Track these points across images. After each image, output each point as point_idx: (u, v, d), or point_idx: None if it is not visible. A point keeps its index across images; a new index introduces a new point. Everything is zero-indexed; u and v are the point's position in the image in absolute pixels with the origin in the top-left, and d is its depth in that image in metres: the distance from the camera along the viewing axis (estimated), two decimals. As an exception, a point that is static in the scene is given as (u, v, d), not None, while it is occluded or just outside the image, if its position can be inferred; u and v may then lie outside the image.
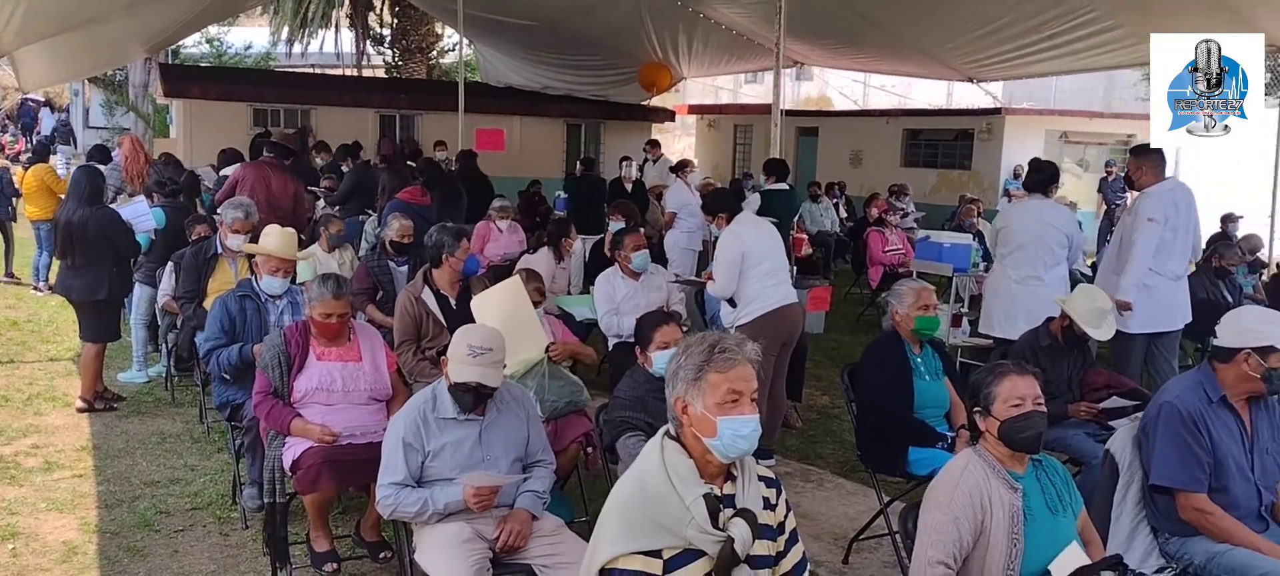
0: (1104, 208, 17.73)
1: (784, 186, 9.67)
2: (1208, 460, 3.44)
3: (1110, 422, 4.83)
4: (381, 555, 4.43)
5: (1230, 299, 8.24)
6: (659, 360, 4.12)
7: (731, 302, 6.01)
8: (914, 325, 4.78)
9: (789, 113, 17.95)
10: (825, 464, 6.26)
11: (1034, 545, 2.89)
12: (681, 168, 11.93)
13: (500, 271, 7.96)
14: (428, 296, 5.49)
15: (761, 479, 2.66)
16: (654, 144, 15.47)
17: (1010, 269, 6.86)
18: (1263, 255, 10.98)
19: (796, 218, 11.75)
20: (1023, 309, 6.61)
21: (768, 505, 2.63)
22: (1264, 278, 9.91)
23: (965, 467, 2.97)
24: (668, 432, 2.61)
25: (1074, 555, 2.88)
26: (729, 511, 2.51)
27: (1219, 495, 3.44)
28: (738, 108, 26.16)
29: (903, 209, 13.81)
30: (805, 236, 12.10)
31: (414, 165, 11.29)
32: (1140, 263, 6.16)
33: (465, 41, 18.52)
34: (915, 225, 13.86)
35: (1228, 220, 12.17)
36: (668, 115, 22.69)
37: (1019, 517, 2.89)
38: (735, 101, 28.13)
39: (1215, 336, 3.60)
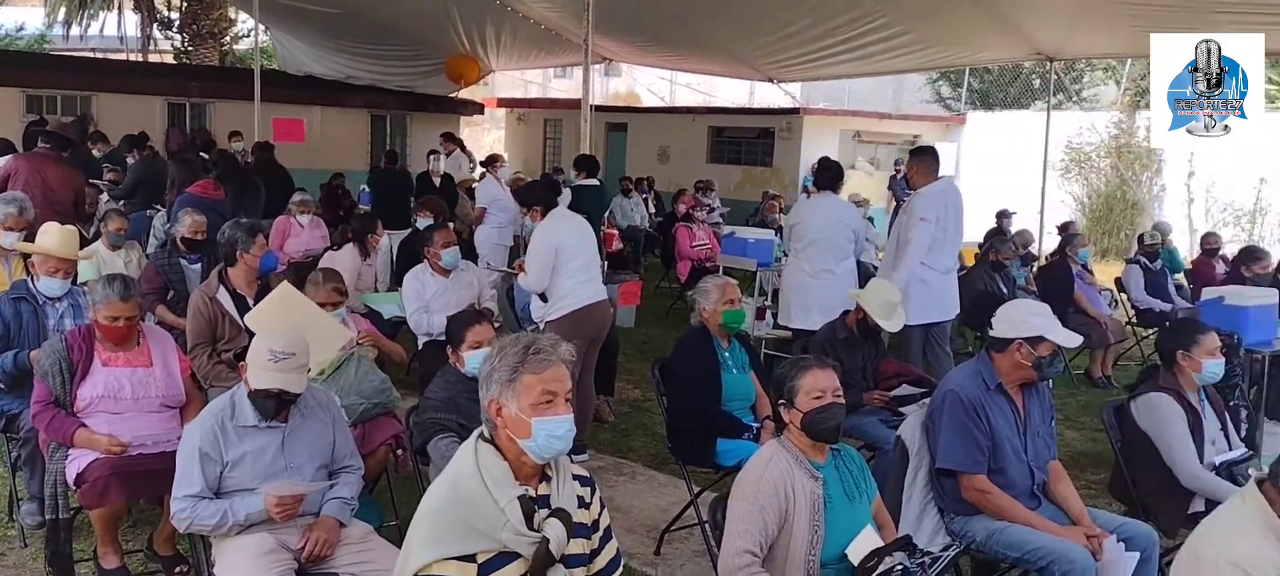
0: (894, 204, 18.73)
1: (594, 182, 9.75)
2: (987, 444, 3.70)
3: (901, 409, 5.13)
4: (177, 570, 4.21)
5: (1006, 290, 8.86)
6: (471, 360, 4.09)
7: (542, 297, 6.02)
8: (722, 320, 4.93)
9: (598, 108, 18.11)
10: (637, 457, 6.36)
11: (833, 530, 3.04)
12: (491, 163, 11.83)
13: (302, 268, 7.68)
14: (223, 296, 5.25)
15: (576, 477, 2.68)
16: (448, 137, 15.16)
17: (804, 263, 7.18)
18: (1033, 249, 11.86)
19: (607, 213, 11.87)
20: (817, 301, 6.95)
21: (582, 504, 2.66)
22: (1034, 270, 10.69)
23: (770, 459, 3.09)
24: (481, 435, 2.60)
25: (869, 538, 3.05)
26: (544, 512, 2.52)
27: (997, 476, 3.71)
28: (547, 102, 26.16)
29: (709, 205, 14.17)
30: (616, 231, 12.23)
31: (207, 157, 10.74)
32: (913, 258, 6.58)
33: (261, 27, 17.73)
34: (721, 220, 14.26)
35: (1002, 216, 13.06)
36: (477, 108, 22.45)
37: (820, 505, 3.04)
38: (545, 96, 28.10)
39: (992, 327, 3.88)
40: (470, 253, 9.64)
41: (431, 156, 12.79)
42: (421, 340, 6.43)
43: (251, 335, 4.34)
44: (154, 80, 18.65)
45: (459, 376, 4.16)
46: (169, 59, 25.65)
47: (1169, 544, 4.04)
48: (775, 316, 8.40)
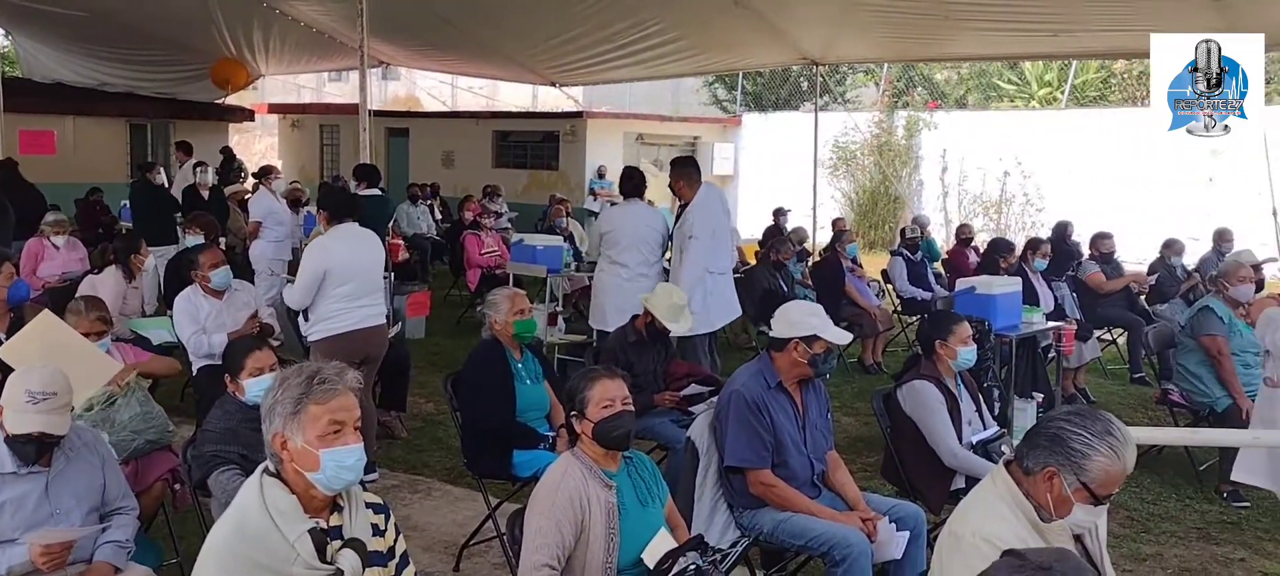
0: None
1: (376, 192, 9.54)
2: (770, 440, 3.89)
3: (691, 409, 5.31)
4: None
5: (786, 288, 9.29)
6: (251, 388, 3.94)
7: (305, 315, 5.88)
8: (513, 331, 4.95)
9: (377, 113, 17.68)
10: (432, 472, 6.28)
11: (628, 536, 3.13)
12: (265, 174, 11.36)
13: (60, 294, 7.14)
14: (-31, 332, 4.83)
15: (369, 505, 2.65)
16: (182, 147, 14.20)
17: (620, 267, 7.33)
18: (808, 244, 12.47)
19: (392, 222, 11.64)
20: (633, 304, 7.12)
21: (377, 531, 2.62)
22: (809, 265, 11.25)
23: (564, 471, 3.14)
24: (267, 469, 2.52)
25: (663, 541, 3.15)
26: (337, 543, 2.48)
27: (780, 469, 3.91)
28: (322, 107, 25.29)
29: (496, 210, 14.12)
30: (401, 241, 12.01)
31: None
32: (692, 271, 6.89)
33: (1, 32, 16.33)
34: (510, 226, 14.24)
35: (779, 213, 13.67)
36: (246, 115, 21.48)
37: (614, 514, 3.11)
38: (319, 100, 27.16)
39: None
40: (246, 268, 9.26)
41: (198, 169, 12.14)
42: (197, 365, 6.11)
43: (6, 374, 4.03)
44: (-128, 90, 16.81)
45: (239, 405, 3.99)
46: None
47: (935, 520, 4.37)
48: (568, 322, 8.50)
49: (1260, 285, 7.89)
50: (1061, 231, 10.80)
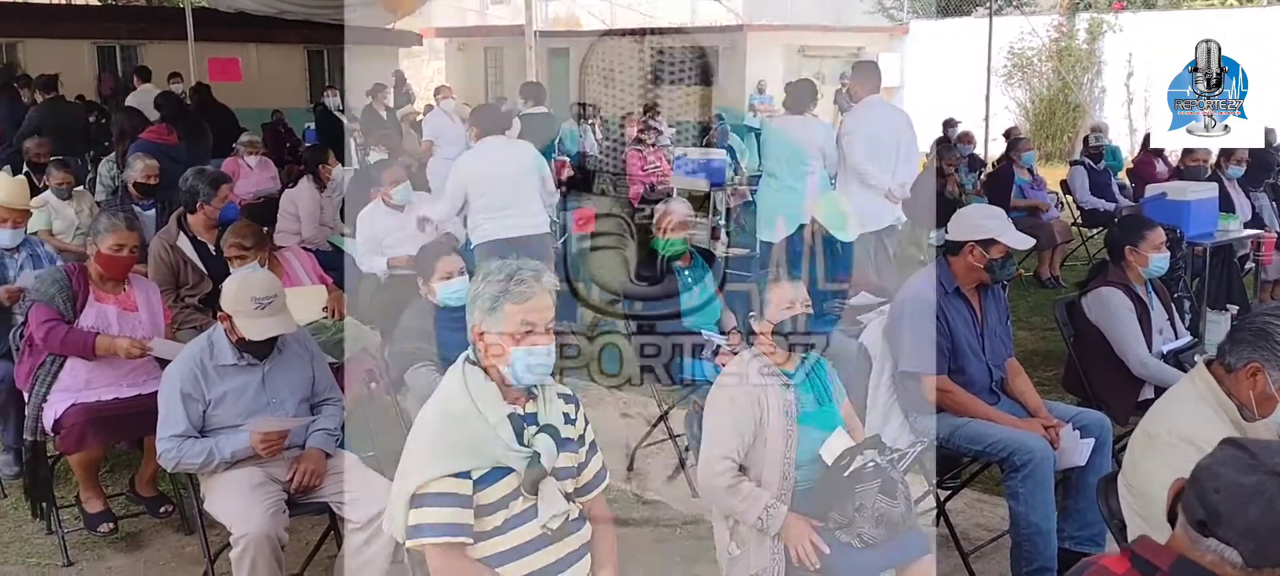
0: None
1: (542, 110, 9.72)
2: (946, 345, 3.83)
3: (859, 318, 5.27)
4: (162, 509, 4.25)
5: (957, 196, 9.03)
6: (442, 291, 4.14)
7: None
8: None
9: (539, 34, 17.88)
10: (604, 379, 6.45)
11: (806, 434, 3.17)
12: (439, 93, 11.71)
13: (255, 210, 7.58)
14: (184, 243, 5.20)
15: (561, 396, 2.78)
16: (141, 73, 13.54)
17: (772, 179, 7.28)
18: (979, 153, 12.03)
19: (557, 140, 11.84)
20: (792, 213, 7.13)
21: (568, 420, 2.76)
22: (982, 176, 10.87)
23: (743, 370, 3.20)
24: (468, 358, 2.67)
25: (840, 439, 3.17)
26: (533, 429, 2.63)
27: (957, 375, 3.86)
28: (487, 29, 25.76)
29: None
30: (566, 159, 12.21)
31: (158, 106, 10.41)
32: (852, 170, 6.78)
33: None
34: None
35: (949, 125, 13.19)
36: (414, 39, 22.09)
37: (793, 410, 3.16)
38: (483, 23, 27.65)
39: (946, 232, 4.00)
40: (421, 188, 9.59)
41: (379, 90, 12.59)
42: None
43: (215, 282, 4.38)
44: (81, 23, 18.10)
45: (431, 307, 4.21)
46: (95, 0, 24.86)
47: (1120, 430, 4.23)
48: (731, 234, 8.53)
49: None
50: (1266, 138, 10.06)
